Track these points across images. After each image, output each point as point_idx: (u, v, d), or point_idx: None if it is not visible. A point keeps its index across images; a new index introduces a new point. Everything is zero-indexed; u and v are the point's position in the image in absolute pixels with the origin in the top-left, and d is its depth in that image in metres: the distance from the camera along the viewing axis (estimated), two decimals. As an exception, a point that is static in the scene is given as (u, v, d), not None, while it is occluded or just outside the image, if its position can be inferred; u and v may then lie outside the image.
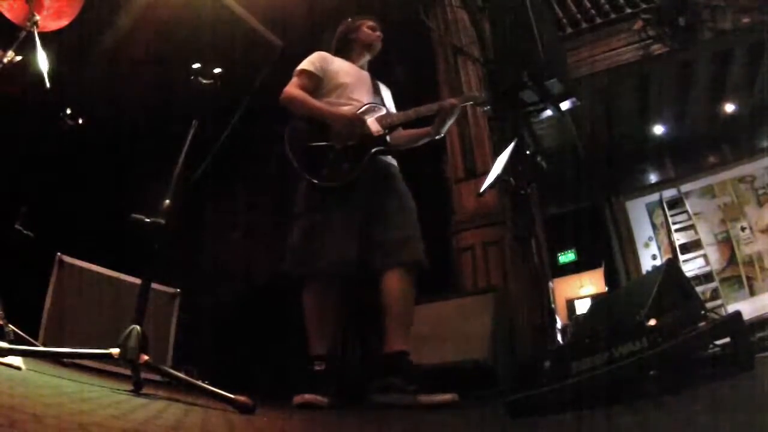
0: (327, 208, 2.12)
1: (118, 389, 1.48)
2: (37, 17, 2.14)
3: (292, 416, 1.82)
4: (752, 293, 5.39)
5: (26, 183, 3.53)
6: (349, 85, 2.32)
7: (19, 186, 3.38)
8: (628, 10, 4.39)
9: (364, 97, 2.32)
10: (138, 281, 2.84)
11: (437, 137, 2.37)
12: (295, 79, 2.31)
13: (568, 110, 4.02)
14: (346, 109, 2.23)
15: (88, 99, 3.90)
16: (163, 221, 1.67)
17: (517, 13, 3.41)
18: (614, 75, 4.54)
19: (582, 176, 6.09)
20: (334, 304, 2.16)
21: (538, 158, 3.51)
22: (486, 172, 3.19)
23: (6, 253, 2.73)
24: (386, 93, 2.51)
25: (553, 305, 4.35)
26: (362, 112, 2.24)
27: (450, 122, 2.33)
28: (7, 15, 2.19)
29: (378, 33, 2.49)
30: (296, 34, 4.62)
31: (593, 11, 4.53)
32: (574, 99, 3.79)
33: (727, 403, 1.10)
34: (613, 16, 4.47)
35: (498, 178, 2.95)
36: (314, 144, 2.17)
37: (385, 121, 2.26)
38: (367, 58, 2.50)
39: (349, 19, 2.54)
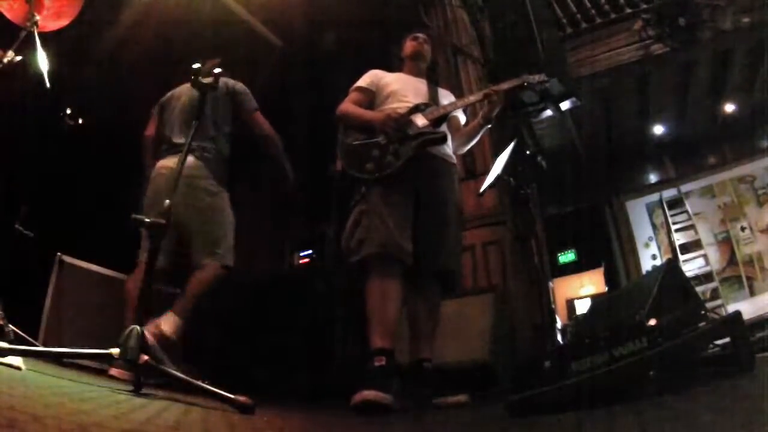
0: (374, 200, 2.14)
1: (118, 389, 1.48)
2: (37, 17, 2.14)
3: (292, 416, 1.82)
4: (752, 293, 5.40)
5: (26, 183, 3.52)
6: (399, 90, 2.39)
7: (20, 186, 3.38)
8: (628, 10, 4.40)
9: (415, 99, 2.37)
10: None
11: (489, 125, 2.40)
12: (349, 96, 2.45)
13: (568, 110, 4.04)
14: (398, 107, 2.30)
15: (88, 99, 3.90)
16: (163, 221, 1.67)
17: (517, 13, 3.42)
18: (614, 75, 4.55)
19: (582, 176, 6.10)
20: (397, 294, 2.09)
21: (538, 158, 3.52)
22: (486, 172, 3.19)
23: (6, 253, 2.73)
24: (446, 97, 2.54)
25: (553, 305, 4.36)
26: (409, 110, 2.29)
27: (498, 109, 2.35)
28: (7, 15, 2.19)
29: (419, 40, 2.57)
30: (296, 34, 4.62)
31: (593, 11, 4.53)
32: (574, 99, 3.81)
33: (727, 403, 1.10)
34: (613, 16, 4.48)
35: (498, 178, 2.95)
36: (358, 142, 2.24)
37: (431, 114, 2.29)
38: (420, 65, 2.56)
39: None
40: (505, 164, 2.95)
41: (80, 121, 3.39)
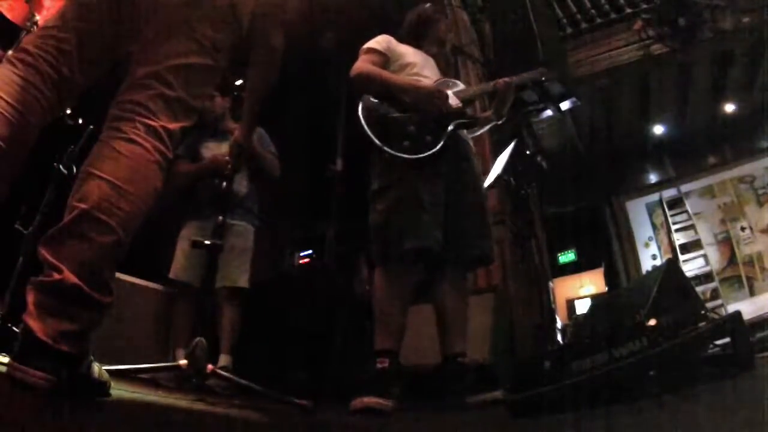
0: (412, 183, 1.97)
1: (179, 396, 1.55)
2: (37, 17, 2.14)
3: (292, 416, 1.81)
4: (752, 293, 5.39)
5: (26, 183, 3.52)
6: (417, 64, 2.22)
7: (19, 186, 3.38)
8: (628, 10, 4.39)
9: (434, 75, 2.23)
10: (138, 281, 2.85)
11: (500, 122, 2.27)
12: (363, 57, 2.21)
13: (568, 110, 4.04)
14: (426, 82, 2.14)
15: (88, 99, 3.89)
16: (220, 242, 1.84)
17: (517, 13, 3.42)
18: (614, 75, 4.55)
19: (582, 176, 6.10)
20: (409, 293, 1.98)
21: (538, 158, 3.52)
22: (486, 172, 3.19)
23: (6, 253, 2.72)
24: (455, 82, 2.37)
25: (553, 305, 4.36)
26: (441, 86, 2.14)
27: (509, 103, 2.22)
28: (7, 15, 2.20)
29: (447, 25, 2.42)
30: (296, 34, 4.61)
31: (593, 11, 4.53)
32: (574, 99, 3.81)
33: (727, 403, 1.10)
34: (613, 16, 4.48)
35: (498, 178, 2.96)
36: (394, 115, 2.04)
37: (461, 94, 2.16)
38: (434, 51, 2.41)
39: (427, 6, 2.44)
40: (505, 164, 2.96)
41: (80, 121, 3.38)
